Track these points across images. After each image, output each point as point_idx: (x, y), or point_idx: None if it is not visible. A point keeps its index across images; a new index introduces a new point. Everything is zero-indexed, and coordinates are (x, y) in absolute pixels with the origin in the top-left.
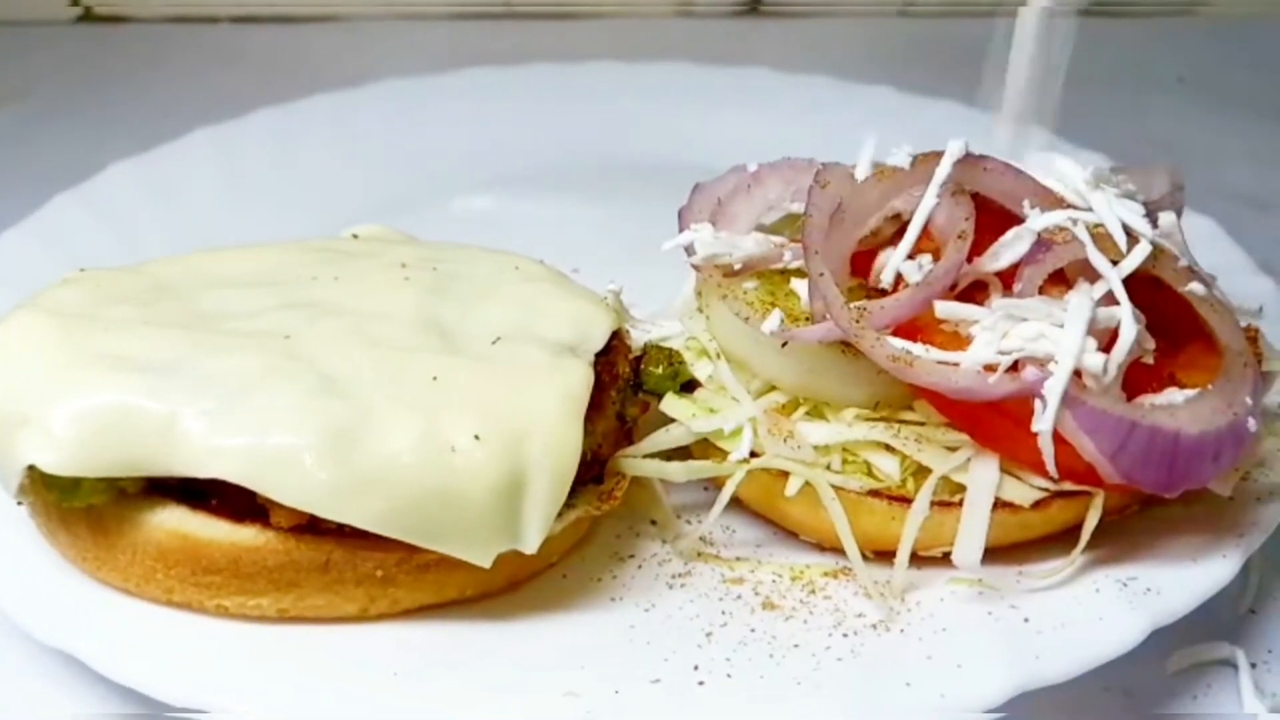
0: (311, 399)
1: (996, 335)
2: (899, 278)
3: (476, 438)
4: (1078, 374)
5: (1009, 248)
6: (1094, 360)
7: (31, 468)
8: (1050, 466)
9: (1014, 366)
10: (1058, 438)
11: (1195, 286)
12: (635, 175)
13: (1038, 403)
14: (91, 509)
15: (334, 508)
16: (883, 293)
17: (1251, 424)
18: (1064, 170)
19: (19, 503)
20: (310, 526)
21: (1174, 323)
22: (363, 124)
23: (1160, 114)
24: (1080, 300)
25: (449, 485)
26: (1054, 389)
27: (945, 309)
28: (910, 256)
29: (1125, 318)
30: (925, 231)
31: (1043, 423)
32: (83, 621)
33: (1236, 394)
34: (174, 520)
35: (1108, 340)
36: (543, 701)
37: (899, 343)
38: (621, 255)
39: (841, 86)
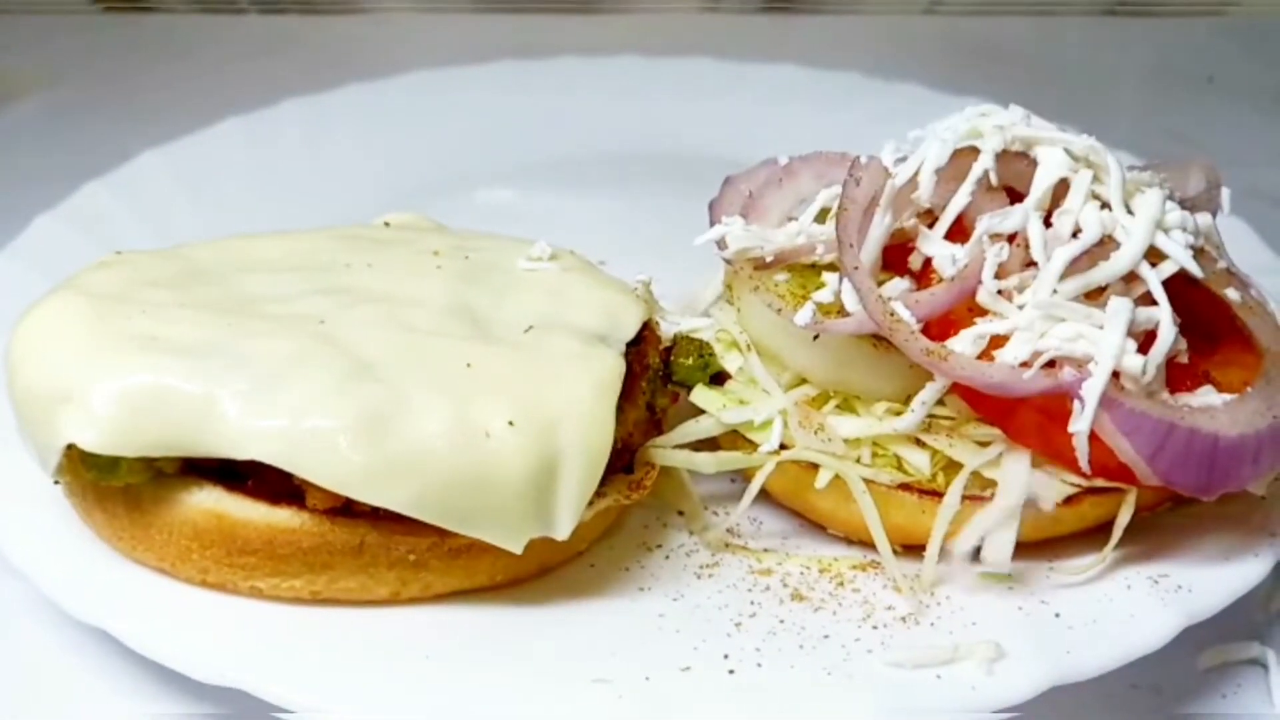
0: (346, 383)
1: (1034, 334)
2: (927, 269)
3: (510, 424)
4: (1115, 375)
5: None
6: (1133, 362)
7: (70, 446)
8: (1084, 464)
9: (1049, 363)
10: (1092, 436)
11: (1232, 291)
12: (660, 169)
13: (1075, 403)
14: (128, 489)
15: (368, 490)
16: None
17: None
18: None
19: (55, 482)
20: (345, 509)
21: (1208, 320)
22: (390, 115)
23: (1190, 114)
24: (1121, 301)
25: (482, 470)
26: (1093, 390)
27: (987, 299)
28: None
29: (1165, 320)
30: (962, 227)
31: (1080, 423)
32: (117, 600)
33: (1277, 396)
34: (210, 501)
35: (1144, 340)
36: (573, 687)
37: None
38: (648, 248)
39: (868, 83)
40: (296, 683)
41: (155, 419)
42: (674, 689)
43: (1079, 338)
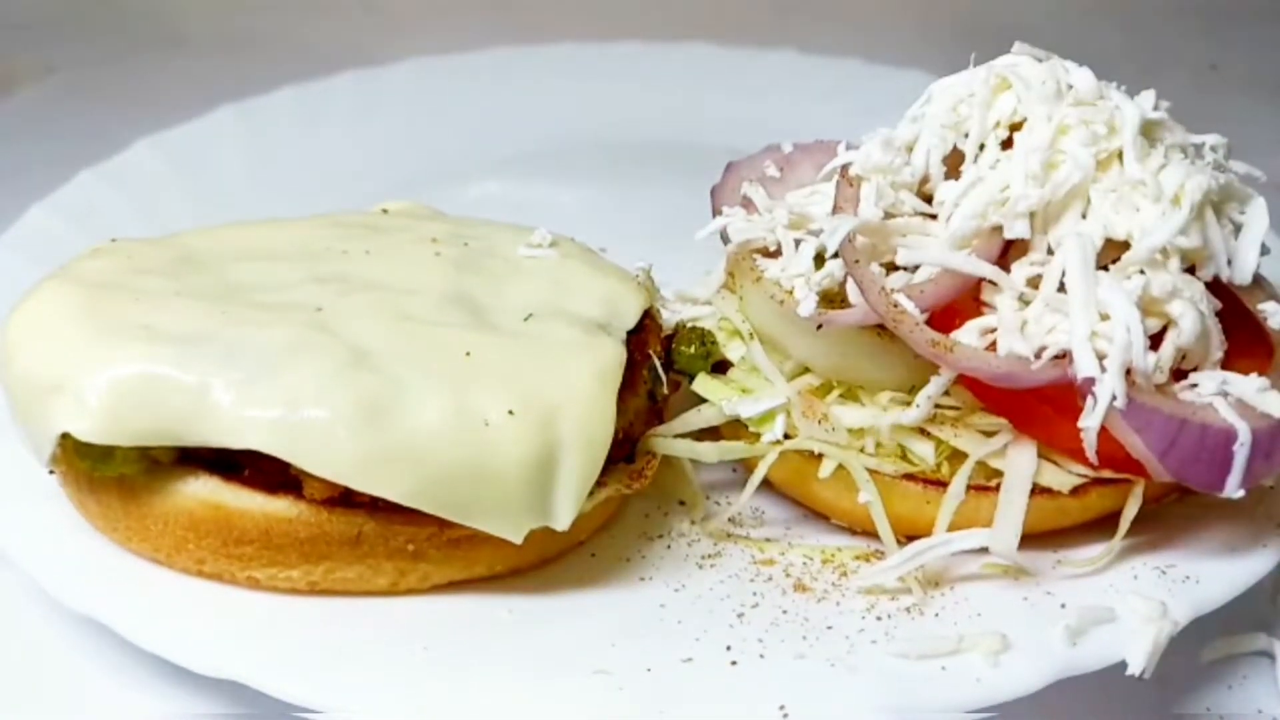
0: (344, 371)
1: (1042, 328)
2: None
3: (510, 413)
4: (1126, 370)
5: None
6: (1146, 360)
7: (64, 436)
8: (1091, 455)
9: (1058, 355)
10: (1102, 430)
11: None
12: (661, 156)
13: (1087, 399)
14: (123, 478)
15: (366, 480)
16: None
17: None
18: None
19: (50, 471)
20: (343, 499)
21: (1220, 310)
22: (387, 102)
23: (1193, 101)
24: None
25: (481, 460)
26: (1104, 387)
27: (993, 292)
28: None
29: (1187, 326)
30: None
31: (1091, 419)
32: (112, 589)
33: None
34: (206, 491)
35: (1153, 335)
36: (574, 678)
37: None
38: (648, 235)
39: (871, 69)
40: (293, 674)
41: (149, 408)
42: (676, 680)
43: (1090, 334)
